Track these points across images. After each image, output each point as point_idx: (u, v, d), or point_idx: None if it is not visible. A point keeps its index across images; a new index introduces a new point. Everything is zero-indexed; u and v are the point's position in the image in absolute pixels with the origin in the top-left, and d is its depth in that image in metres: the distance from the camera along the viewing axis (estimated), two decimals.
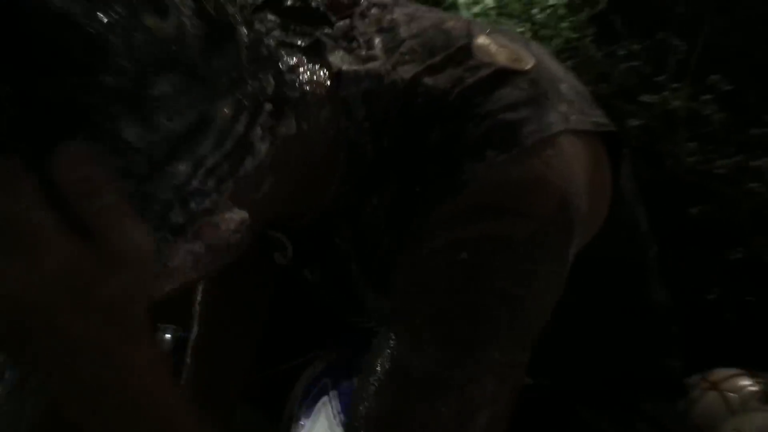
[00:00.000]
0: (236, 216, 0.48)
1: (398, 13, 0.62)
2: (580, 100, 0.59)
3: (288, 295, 0.93)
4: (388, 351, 0.52)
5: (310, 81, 0.53)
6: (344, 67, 0.57)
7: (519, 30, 1.49)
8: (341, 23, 0.60)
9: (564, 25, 1.48)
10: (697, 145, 1.26)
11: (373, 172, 0.57)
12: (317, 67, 0.55)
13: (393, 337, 0.53)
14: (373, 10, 0.62)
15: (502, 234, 0.51)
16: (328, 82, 0.55)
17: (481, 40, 0.58)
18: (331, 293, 0.76)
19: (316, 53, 0.55)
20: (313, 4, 0.58)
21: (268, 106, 0.48)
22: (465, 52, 0.57)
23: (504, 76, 0.56)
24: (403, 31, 0.60)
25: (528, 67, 0.57)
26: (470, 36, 0.58)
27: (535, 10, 1.48)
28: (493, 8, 1.52)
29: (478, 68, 0.56)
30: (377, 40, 0.60)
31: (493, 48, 0.58)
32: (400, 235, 0.56)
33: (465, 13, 1.54)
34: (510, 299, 0.51)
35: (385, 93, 0.57)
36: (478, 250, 0.51)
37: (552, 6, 1.49)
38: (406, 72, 0.57)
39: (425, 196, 0.54)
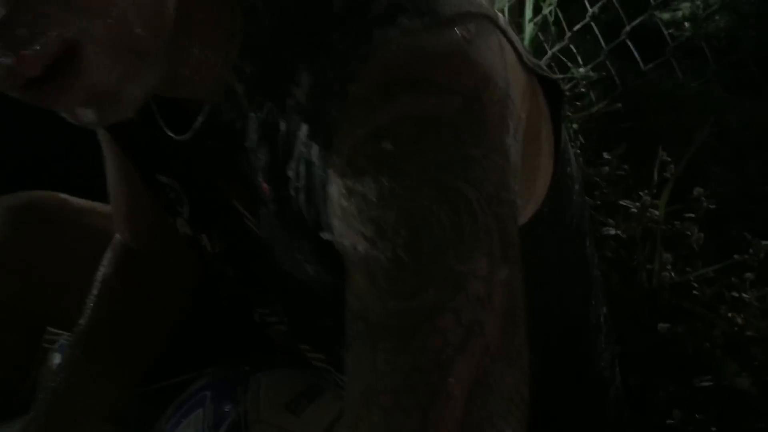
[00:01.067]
0: None
1: None
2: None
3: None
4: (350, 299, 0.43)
5: None
6: None
7: None
8: None
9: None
10: (673, 260, 1.18)
11: (272, 52, 0.49)
12: None
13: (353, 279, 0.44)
14: None
15: (425, 113, 0.42)
16: None
17: None
18: (236, 268, 0.67)
19: None
20: None
21: None
22: None
23: None
24: None
25: None
26: None
27: None
28: None
29: None
30: None
31: None
32: (319, 135, 0.47)
33: None
34: (449, 192, 0.42)
35: None
36: (400, 136, 0.42)
37: None
38: None
39: (336, 78, 0.45)
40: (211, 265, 0.70)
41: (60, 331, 0.93)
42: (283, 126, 0.50)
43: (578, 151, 1.39)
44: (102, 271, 0.79)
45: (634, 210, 1.26)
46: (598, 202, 1.37)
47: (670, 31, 1.61)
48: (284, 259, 0.57)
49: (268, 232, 0.57)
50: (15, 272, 0.84)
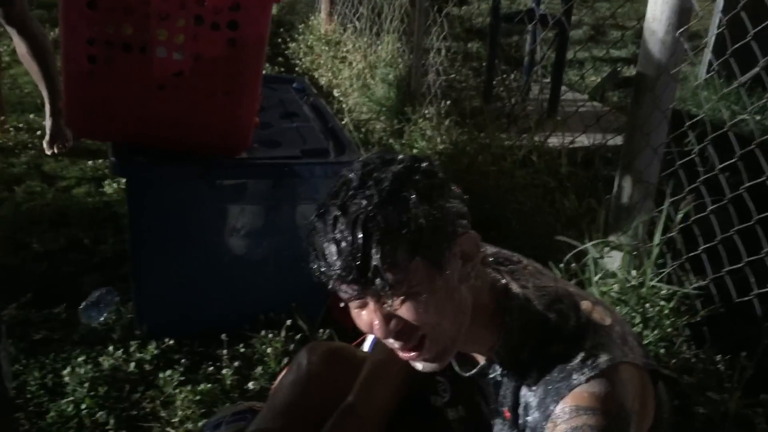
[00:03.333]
0: None
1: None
2: (638, 347, 1.11)
3: None
4: None
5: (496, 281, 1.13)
6: (511, 284, 1.10)
7: (631, 317, 1.97)
8: (511, 266, 1.20)
9: (666, 322, 1.94)
10: None
11: (515, 351, 1.10)
12: (502, 281, 1.12)
13: None
14: (531, 267, 1.22)
15: (594, 424, 1.00)
16: (502, 290, 1.12)
17: (584, 304, 1.13)
18: (462, 430, 1.25)
19: (502, 274, 1.14)
20: (500, 257, 1.22)
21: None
22: (576, 306, 1.12)
23: (595, 326, 1.10)
24: (545, 279, 1.18)
25: (607, 323, 1.11)
26: (581, 298, 1.13)
27: (647, 305, 1.95)
28: (616, 293, 2.01)
29: (581, 318, 1.10)
30: (530, 280, 1.17)
31: (591, 308, 1.13)
32: (541, 409, 1.07)
33: (594, 291, 2.04)
34: None
35: (530, 310, 1.12)
36: None
37: (661, 306, 1.96)
38: (543, 303, 1.11)
39: (554, 389, 1.05)
40: (447, 424, 1.28)
41: None
42: (522, 393, 1.10)
43: None
44: (329, 424, 1.32)
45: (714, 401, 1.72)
46: None
47: None
48: None
49: (457, 426, 1.18)
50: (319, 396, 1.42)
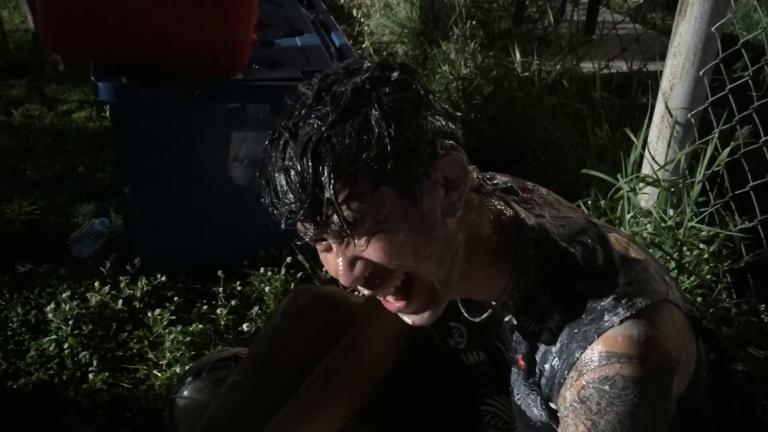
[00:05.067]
0: None
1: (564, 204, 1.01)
2: (677, 291, 0.91)
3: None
4: None
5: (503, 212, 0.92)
6: (522, 215, 0.91)
7: (666, 261, 1.76)
8: (524, 195, 0.99)
9: (706, 268, 1.73)
10: None
11: (532, 292, 0.90)
12: (509, 211, 0.92)
13: None
14: (548, 196, 1.01)
15: (630, 374, 0.81)
16: (511, 223, 0.91)
17: (612, 237, 0.93)
18: (482, 372, 1.07)
19: (510, 205, 0.93)
20: (510, 185, 1.00)
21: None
22: (604, 238, 0.92)
23: (628, 260, 0.89)
24: (564, 209, 0.98)
25: (642, 258, 0.90)
26: (607, 231, 0.93)
27: (685, 248, 1.75)
28: (650, 233, 1.80)
29: (611, 251, 0.90)
30: (546, 210, 0.96)
31: (621, 241, 0.93)
32: (563, 356, 0.87)
33: (627, 230, 1.83)
34: (639, 421, 0.80)
35: (548, 243, 0.91)
36: (615, 385, 0.81)
37: (701, 250, 1.75)
38: (564, 236, 0.91)
39: (581, 332, 0.85)
40: (465, 369, 1.11)
41: None
42: (541, 339, 0.90)
43: None
44: (323, 365, 1.18)
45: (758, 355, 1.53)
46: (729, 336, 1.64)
47: None
48: (520, 399, 0.97)
49: (514, 381, 0.97)
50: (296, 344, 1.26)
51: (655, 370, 0.82)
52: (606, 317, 0.84)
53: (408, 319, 0.89)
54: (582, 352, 0.84)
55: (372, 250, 0.81)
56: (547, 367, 0.89)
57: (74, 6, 1.70)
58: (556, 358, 0.88)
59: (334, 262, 0.84)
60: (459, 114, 0.87)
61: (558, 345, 0.88)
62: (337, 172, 0.77)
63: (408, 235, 0.81)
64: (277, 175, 0.80)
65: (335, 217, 0.78)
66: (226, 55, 1.79)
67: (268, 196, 0.82)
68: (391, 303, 0.88)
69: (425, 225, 0.82)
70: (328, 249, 0.84)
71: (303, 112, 0.80)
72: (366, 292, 0.86)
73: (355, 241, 0.81)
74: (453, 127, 0.85)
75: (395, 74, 0.82)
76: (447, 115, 0.85)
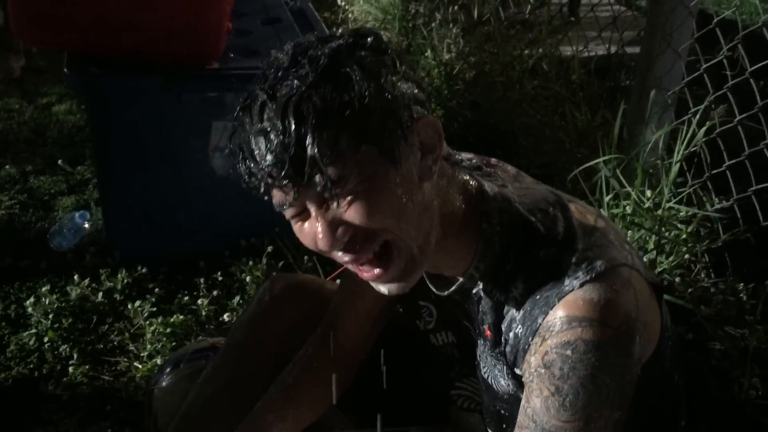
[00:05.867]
0: None
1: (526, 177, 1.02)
2: (637, 257, 0.91)
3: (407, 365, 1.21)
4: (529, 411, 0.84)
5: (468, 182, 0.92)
6: (485, 186, 0.92)
7: (644, 242, 1.77)
8: (487, 170, 1.00)
9: (684, 248, 1.74)
10: (761, 382, 1.45)
11: (497, 261, 0.90)
12: (473, 182, 0.92)
13: (530, 404, 0.84)
14: (511, 171, 1.02)
15: (591, 338, 0.81)
16: (476, 194, 0.92)
17: (573, 206, 0.93)
18: (451, 355, 1.07)
19: (474, 177, 0.93)
20: (475, 162, 1.01)
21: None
22: (564, 207, 0.92)
23: (588, 227, 0.90)
24: (527, 180, 0.99)
25: (601, 225, 0.91)
26: (568, 201, 0.94)
27: (663, 228, 1.75)
28: (629, 214, 1.81)
29: (571, 218, 0.90)
30: (509, 183, 0.97)
31: (581, 209, 0.93)
32: (526, 323, 0.88)
33: (605, 213, 1.83)
34: (601, 384, 0.81)
35: (511, 212, 0.91)
36: (576, 349, 0.82)
37: (679, 230, 1.76)
38: (526, 204, 0.92)
39: (543, 298, 0.86)
40: (433, 351, 1.11)
41: None
42: (506, 308, 0.90)
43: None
44: (305, 350, 1.18)
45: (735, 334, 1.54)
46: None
47: None
48: (486, 372, 0.97)
49: (481, 354, 0.97)
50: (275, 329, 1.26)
51: (615, 333, 0.82)
52: (566, 281, 0.84)
53: (383, 288, 0.88)
54: (544, 318, 0.84)
55: (354, 212, 0.80)
56: (511, 335, 0.90)
57: None
58: (520, 326, 0.88)
59: (311, 231, 0.83)
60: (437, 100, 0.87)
61: (521, 312, 0.88)
62: (320, 130, 0.76)
63: (389, 197, 0.80)
64: (254, 138, 0.79)
65: (318, 177, 0.77)
66: (199, 43, 1.77)
67: (244, 162, 0.80)
68: (369, 271, 0.86)
69: (405, 187, 0.81)
70: (305, 218, 0.83)
71: (280, 74, 0.79)
72: (345, 258, 0.85)
73: (338, 201, 0.79)
74: (423, 96, 0.85)
75: (369, 40, 0.82)
76: (418, 83, 0.85)
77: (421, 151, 0.84)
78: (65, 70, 1.73)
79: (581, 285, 0.83)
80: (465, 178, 0.92)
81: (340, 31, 0.84)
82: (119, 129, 1.83)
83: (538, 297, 0.86)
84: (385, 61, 0.82)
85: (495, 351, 0.94)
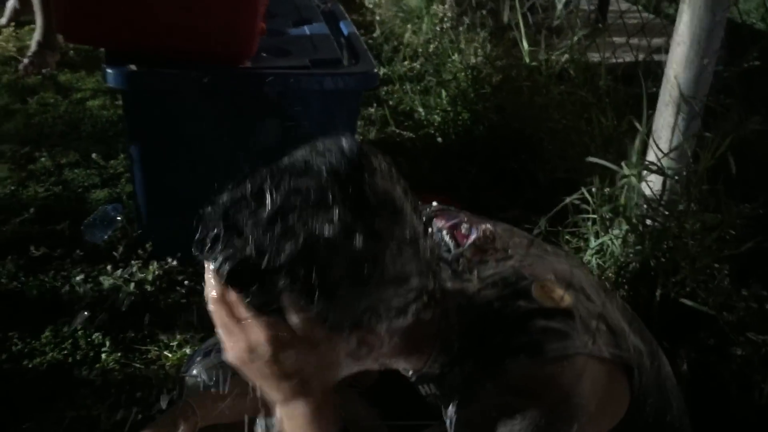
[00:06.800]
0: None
1: (495, 257, 1.00)
2: (603, 335, 0.91)
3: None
4: None
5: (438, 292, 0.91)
6: (448, 285, 0.94)
7: (669, 248, 1.78)
8: (475, 259, 0.98)
9: (708, 255, 1.75)
10: None
11: (453, 360, 0.93)
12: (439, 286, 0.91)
13: None
14: (489, 253, 1.00)
15: (518, 408, 0.83)
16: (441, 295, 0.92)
17: (537, 287, 0.93)
18: (435, 405, 1.11)
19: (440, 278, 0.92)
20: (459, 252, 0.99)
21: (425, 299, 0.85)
22: (526, 291, 0.92)
23: (547, 312, 0.90)
24: (491, 267, 0.97)
25: (564, 306, 0.91)
26: (532, 278, 0.94)
27: (687, 236, 1.76)
28: (655, 221, 1.82)
29: (532, 303, 0.90)
30: (476, 270, 0.97)
31: (545, 292, 0.92)
32: (468, 390, 0.90)
33: (632, 219, 1.85)
34: None
35: (471, 308, 0.93)
36: (503, 413, 0.83)
37: (703, 236, 1.77)
38: (487, 296, 0.93)
39: (486, 371, 0.88)
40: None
41: None
42: (454, 388, 0.92)
43: None
44: None
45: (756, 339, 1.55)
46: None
47: None
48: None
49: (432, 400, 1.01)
50: None
51: (548, 410, 0.83)
52: (507, 360, 0.86)
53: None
54: (480, 389, 0.87)
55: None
56: (451, 407, 0.92)
57: None
58: (459, 396, 0.91)
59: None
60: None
61: (464, 385, 0.91)
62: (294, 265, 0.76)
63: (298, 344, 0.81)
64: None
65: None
66: (234, 43, 1.82)
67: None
68: None
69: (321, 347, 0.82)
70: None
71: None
72: None
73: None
74: (413, 288, 0.82)
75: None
76: (402, 279, 0.81)
77: (358, 342, 0.84)
78: (105, 67, 1.78)
79: (518, 364, 0.85)
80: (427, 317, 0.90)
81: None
82: (155, 124, 1.88)
83: (479, 377, 0.89)
84: (352, 272, 0.77)
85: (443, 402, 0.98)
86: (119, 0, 1.74)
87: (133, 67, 1.77)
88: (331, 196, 0.76)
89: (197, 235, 0.83)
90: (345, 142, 0.81)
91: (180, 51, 1.79)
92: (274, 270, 0.76)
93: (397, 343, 0.87)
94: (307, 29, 2.16)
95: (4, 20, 3.45)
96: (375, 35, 3.59)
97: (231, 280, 0.79)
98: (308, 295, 0.77)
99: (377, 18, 3.80)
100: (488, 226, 1.03)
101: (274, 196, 0.77)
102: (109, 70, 1.77)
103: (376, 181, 0.79)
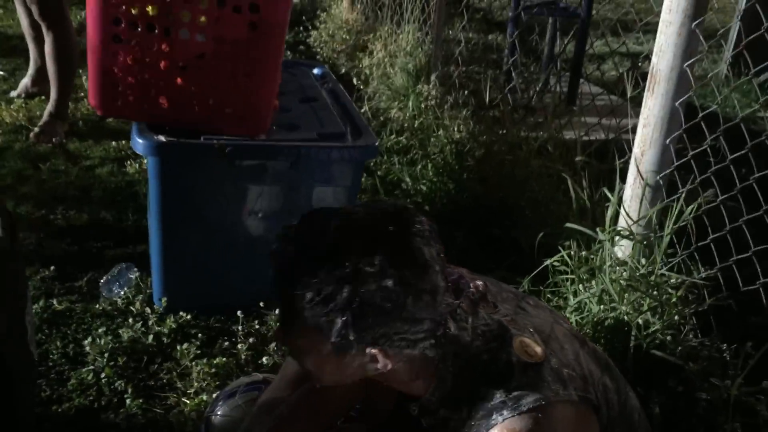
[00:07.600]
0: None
1: (487, 309, 1.21)
2: (573, 380, 1.12)
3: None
4: None
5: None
6: (449, 328, 1.14)
7: (639, 304, 1.99)
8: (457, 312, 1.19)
9: (674, 311, 1.96)
10: (742, 428, 1.65)
11: (448, 399, 1.14)
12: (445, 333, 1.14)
13: None
14: (480, 306, 1.21)
15: None
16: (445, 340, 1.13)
17: (517, 342, 1.14)
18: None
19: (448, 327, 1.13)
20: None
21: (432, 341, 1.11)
22: (508, 345, 1.13)
23: (524, 365, 1.11)
24: (482, 319, 1.17)
25: (537, 360, 1.12)
26: (515, 332, 1.15)
27: (656, 293, 1.98)
28: (626, 280, 2.04)
29: (511, 356, 1.11)
30: (470, 320, 1.16)
31: (523, 347, 1.13)
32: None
33: (605, 279, 2.06)
34: None
35: (464, 353, 1.13)
36: None
37: (670, 294, 1.99)
38: (477, 348, 1.13)
39: (476, 426, 1.10)
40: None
41: None
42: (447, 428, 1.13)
43: None
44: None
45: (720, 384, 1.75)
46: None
47: None
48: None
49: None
50: None
51: None
52: (494, 415, 1.07)
53: None
54: None
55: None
56: None
57: (121, 75, 1.95)
58: None
59: None
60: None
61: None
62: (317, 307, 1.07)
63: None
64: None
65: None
66: (252, 118, 2.04)
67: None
68: None
69: (336, 365, 1.12)
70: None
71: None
72: None
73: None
74: (428, 328, 1.08)
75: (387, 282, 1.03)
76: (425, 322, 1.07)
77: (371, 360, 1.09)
78: (134, 136, 1.98)
79: (504, 420, 1.06)
80: (425, 352, 1.11)
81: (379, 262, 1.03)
82: (176, 189, 2.07)
83: (472, 423, 1.10)
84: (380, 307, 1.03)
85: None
86: (154, 82, 1.95)
87: (162, 138, 1.97)
88: (379, 250, 1.02)
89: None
90: (395, 206, 1.08)
91: (204, 123, 2.00)
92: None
93: (401, 366, 1.10)
94: (312, 106, 2.39)
95: (15, 93, 3.66)
96: (363, 110, 3.84)
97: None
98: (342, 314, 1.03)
99: (363, 94, 4.06)
100: (481, 282, 1.24)
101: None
102: (139, 140, 1.96)
103: (415, 240, 1.03)
